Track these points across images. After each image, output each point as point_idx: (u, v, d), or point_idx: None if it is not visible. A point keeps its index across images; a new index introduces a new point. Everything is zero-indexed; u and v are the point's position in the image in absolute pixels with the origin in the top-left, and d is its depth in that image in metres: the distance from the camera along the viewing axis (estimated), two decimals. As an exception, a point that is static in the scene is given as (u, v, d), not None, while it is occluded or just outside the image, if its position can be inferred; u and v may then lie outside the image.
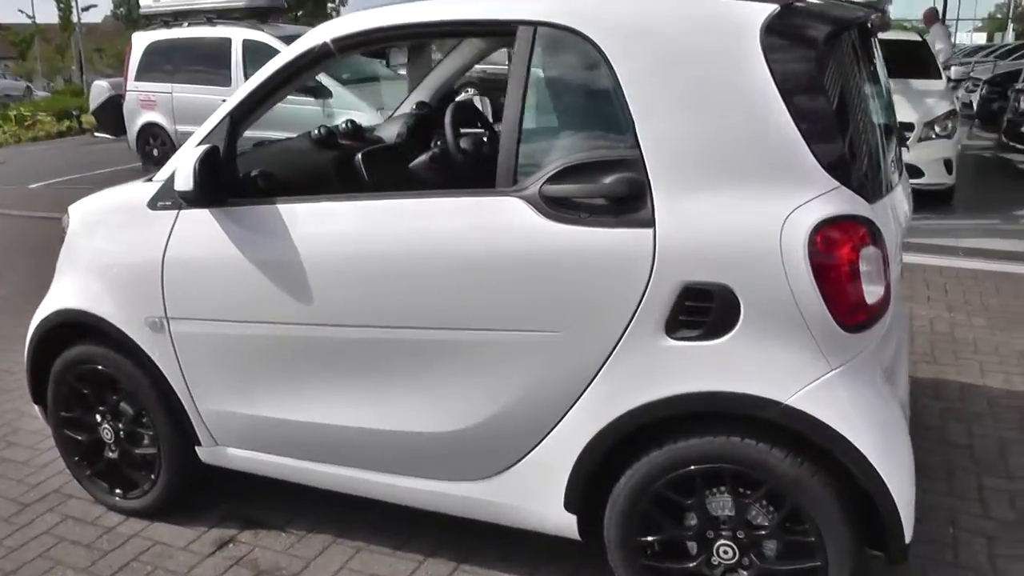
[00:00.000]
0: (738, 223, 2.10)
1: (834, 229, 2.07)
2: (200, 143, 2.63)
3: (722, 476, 2.21)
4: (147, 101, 10.26)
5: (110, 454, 3.06)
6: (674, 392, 2.17)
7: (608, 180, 2.19)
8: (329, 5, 32.25)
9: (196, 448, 2.89)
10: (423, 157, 3.38)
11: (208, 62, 9.84)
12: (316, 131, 3.36)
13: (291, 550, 2.85)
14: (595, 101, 2.32)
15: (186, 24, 10.18)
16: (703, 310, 2.13)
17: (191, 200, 2.55)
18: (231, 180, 2.61)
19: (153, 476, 2.99)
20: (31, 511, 3.15)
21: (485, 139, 3.57)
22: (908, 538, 2.12)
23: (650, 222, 2.14)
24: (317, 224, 2.52)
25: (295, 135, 3.62)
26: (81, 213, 3.00)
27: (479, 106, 3.94)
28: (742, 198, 2.11)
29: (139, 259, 2.76)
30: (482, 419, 2.40)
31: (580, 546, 2.46)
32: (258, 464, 2.82)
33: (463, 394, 2.40)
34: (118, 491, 3.08)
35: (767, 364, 2.11)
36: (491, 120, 3.80)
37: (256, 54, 9.71)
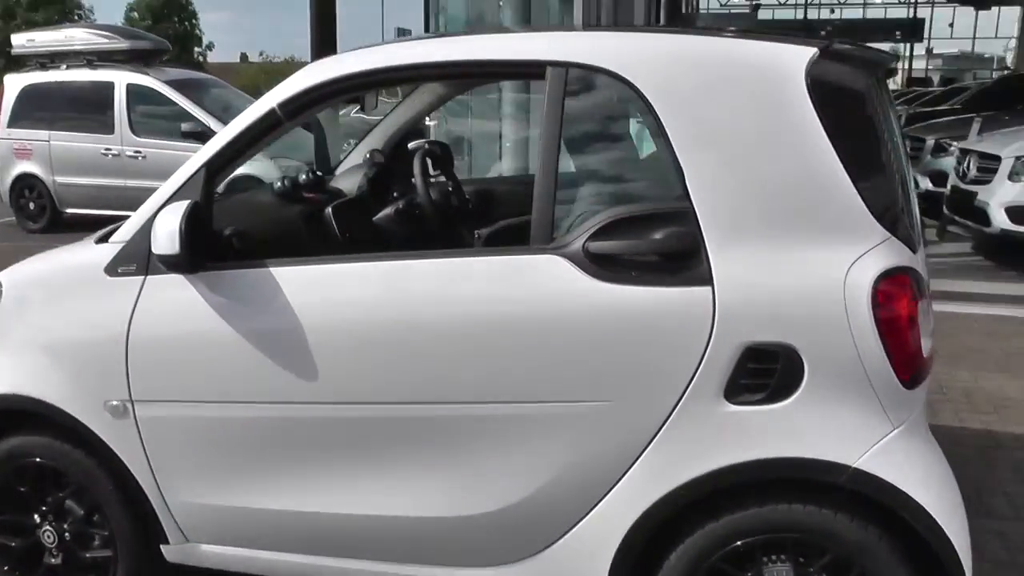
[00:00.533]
0: (800, 278, 2.00)
1: (893, 282, 2.00)
2: (170, 198, 2.32)
3: (782, 545, 2.07)
4: (22, 150, 9.48)
5: (51, 560, 2.61)
6: (736, 461, 2.02)
7: (659, 235, 2.04)
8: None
9: (161, 547, 2.50)
10: (388, 210, 3.15)
11: (89, 107, 9.22)
12: (279, 183, 3.06)
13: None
14: (639, 151, 2.18)
15: (64, 67, 9.47)
16: (766, 372, 2.00)
17: (175, 265, 2.21)
18: (210, 241, 2.30)
19: (106, 581, 2.57)
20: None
21: (451, 189, 3.39)
22: None
23: (708, 279, 2.00)
24: (318, 290, 2.24)
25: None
26: (16, 282, 2.58)
27: (435, 155, 3.74)
28: (800, 250, 2.01)
29: (97, 335, 2.39)
30: (519, 499, 2.17)
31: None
32: (240, 561, 2.47)
33: (497, 473, 2.17)
34: (61, 603, 2.64)
35: (833, 426, 2.00)
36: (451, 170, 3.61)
37: (141, 99, 9.16)
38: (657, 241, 2.04)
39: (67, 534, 2.57)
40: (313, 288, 2.23)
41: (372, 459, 2.25)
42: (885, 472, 1.98)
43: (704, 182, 2.03)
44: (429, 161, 3.32)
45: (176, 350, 2.32)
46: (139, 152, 9.00)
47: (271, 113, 2.32)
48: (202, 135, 8.95)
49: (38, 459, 2.53)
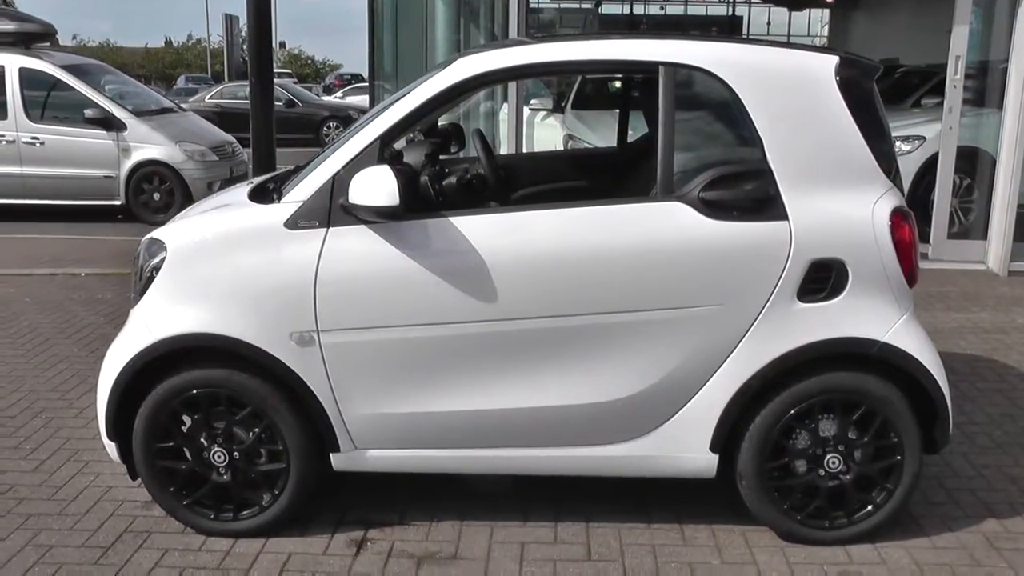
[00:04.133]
0: (843, 214, 2.82)
1: (899, 215, 2.86)
2: (348, 163, 2.78)
3: (831, 405, 2.88)
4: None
5: (219, 478, 2.99)
6: (806, 341, 2.81)
7: (749, 186, 2.80)
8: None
9: (331, 456, 2.95)
10: (451, 179, 3.67)
11: (-22, 92, 8.73)
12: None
13: (431, 537, 3.03)
14: (729, 126, 2.91)
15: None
16: (824, 279, 2.81)
17: (391, 215, 2.68)
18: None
19: (276, 491, 2.98)
20: (117, 553, 2.96)
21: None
22: (951, 428, 2.94)
23: (785, 216, 2.78)
24: (490, 234, 2.79)
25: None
26: (181, 242, 2.93)
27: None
28: (840, 195, 2.83)
29: (284, 279, 2.81)
30: (649, 385, 2.85)
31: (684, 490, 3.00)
32: (402, 461, 2.97)
33: (635, 365, 2.83)
34: (225, 515, 3.01)
35: (867, 314, 2.83)
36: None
37: (36, 83, 8.84)
38: (748, 190, 2.80)
39: (237, 454, 2.96)
40: (486, 231, 2.79)
41: (530, 362, 2.84)
42: (901, 343, 2.85)
43: (776, 149, 2.81)
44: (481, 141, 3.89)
45: (362, 286, 2.79)
46: (37, 139, 8.69)
47: (435, 99, 2.84)
48: (106, 121, 8.81)
49: (215, 389, 2.90)
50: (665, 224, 2.79)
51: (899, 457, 2.92)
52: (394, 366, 2.85)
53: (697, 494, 3.22)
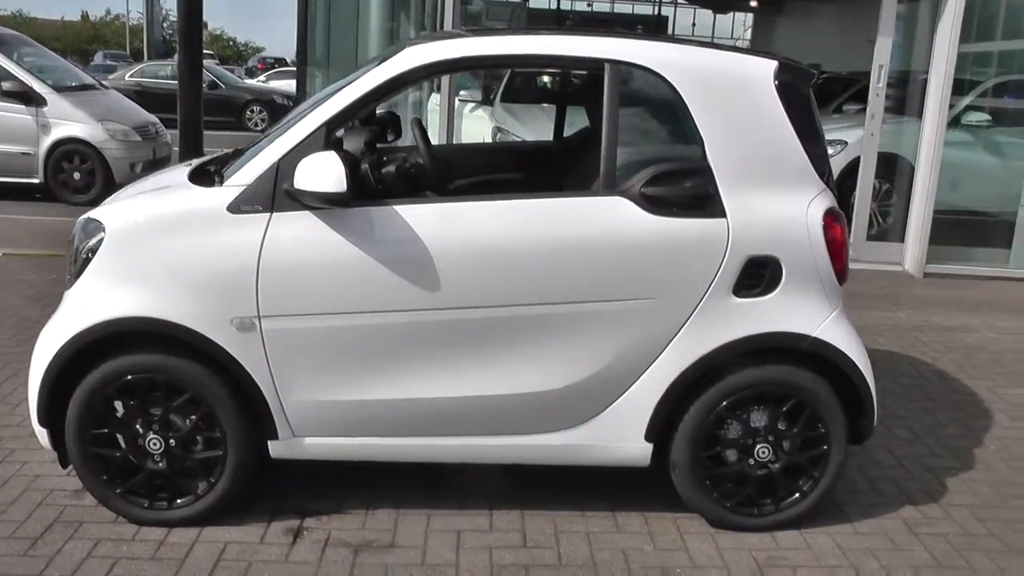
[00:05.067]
0: (779, 213, 2.93)
1: (831, 216, 2.99)
2: (292, 150, 2.77)
3: (763, 397, 3.00)
4: None
5: (154, 465, 2.93)
6: (741, 335, 2.92)
7: (689, 184, 2.88)
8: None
9: (269, 443, 2.93)
10: (390, 167, 3.67)
11: None
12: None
13: (368, 525, 3.04)
14: (671, 125, 2.99)
15: None
16: (759, 275, 2.92)
17: (337, 202, 2.66)
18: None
19: (212, 480, 2.94)
20: (47, 544, 2.88)
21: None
22: (875, 420, 3.10)
23: (723, 214, 2.88)
24: (436, 221, 2.81)
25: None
26: (121, 223, 2.85)
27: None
28: (776, 195, 2.94)
29: (225, 263, 2.77)
30: (586, 375, 2.91)
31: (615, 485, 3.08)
32: (339, 449, 2.97)
33: (572, 356, 2.89)
34: (160, 503, 2.96)
35: (800, 310, 2.96)
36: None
37: None
38: (688, 188, 2.88)
39: (173, 441, 2.91)
40: (431, 220, 2.80)
41: (472, 350, 2.87)
42: (831, 338, 2.98)
43: (716, 149, 2.90)
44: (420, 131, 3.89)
45: (305, 272, 2.78)
46: (-51, 112, 8.28)
47: (381, 87, 2.84)
48: (24, 96, 8.46)
49: (149, 374, 2.85)
50: (606, 218, 2.85)
51: (825, 447, 3.06)
52: (335, 353, 2.85)
53: (632, 483, 3.31)
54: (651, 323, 2.90)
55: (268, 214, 2.78)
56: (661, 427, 2.99)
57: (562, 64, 3.07)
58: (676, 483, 3.07)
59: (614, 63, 2.90)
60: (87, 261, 2.88)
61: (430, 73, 2.90)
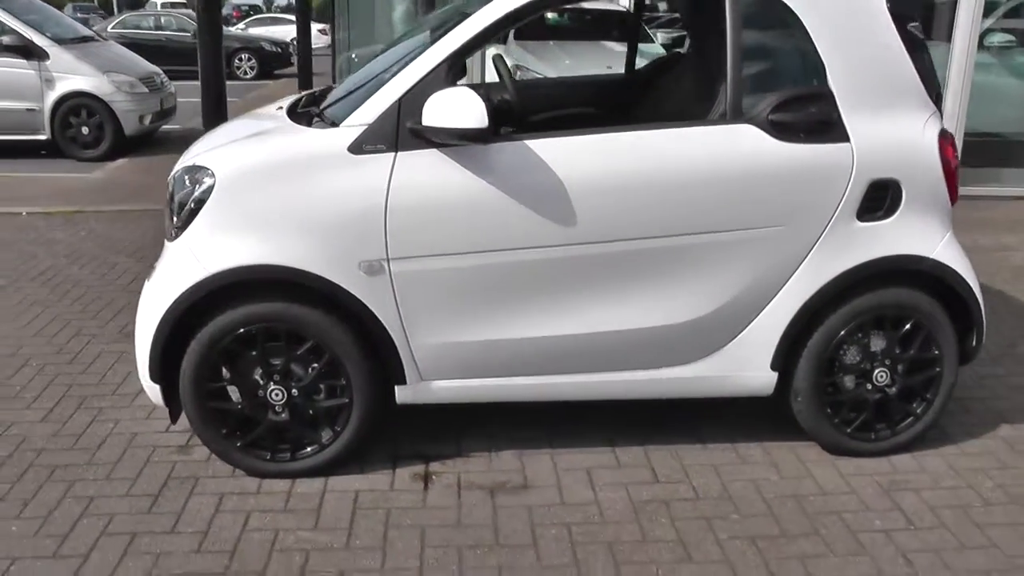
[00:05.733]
0: (898, 135, 2.85)
1: (945, 137, 2.92)
2: (414, 86, 2.62)
3: (881, 321, 2.95)
4: None
5: (275, 417, 2.82)
6: (864, 259, 2.86)
7: (814, 109, 2.78)
8: None
9: (396, 388, 2.83)
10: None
11: None
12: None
13: (495, 467, 2.98)
14: (791, 49, 2.86)
15: None
16: (881, 198, 2.85)
17: (476, 138, 2.53)
18: None
19: (338, 428, 2.85)
20: (168, 500, 2.78)
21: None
22: (984, 341, 3.08)
23: (847, 138, 2.78)
24: (570, 154, 2.69)
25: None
26: (232, 170, 2.68)
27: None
28: (894, 117, 2.85)
29: (352, 205, 2.64)
30: (716, 306, 2.84)
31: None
32: (469, 391, 2.88)
33: (702, 288, 2.82)
34: (282, 455, 2.87)
35: (918, 232, 2.90)
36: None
37: None
38: (813, 112, 2.78)
39: (295, 391, 2.80)
40: (562, 153, 2.68)
41: (602, 286, 2.78)
42: (947, 259, 2.94)
43: (837, 72, 2.80)
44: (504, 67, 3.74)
45: (434, 211, 2.65)
46: (-57, 66, 7.85)
47: (500, 21, 2.68)
48: (25, 50, 8.06)
49: (270, 324, 2.72)
50: (736, 146, 2.75)
51: (938, 369, 3.03)
52: (465, 293, 2.74)
53: (745, 413, 3.28)
54: (779, 251, 2.82)
55: (392, 153, 2.64)
56: (786, 355, 2.93)
57: None
58: (796, 411, 3.03)
59: None
60: (195, 210, 2.73)
61: (546, 6, 2.74)
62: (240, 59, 16.99)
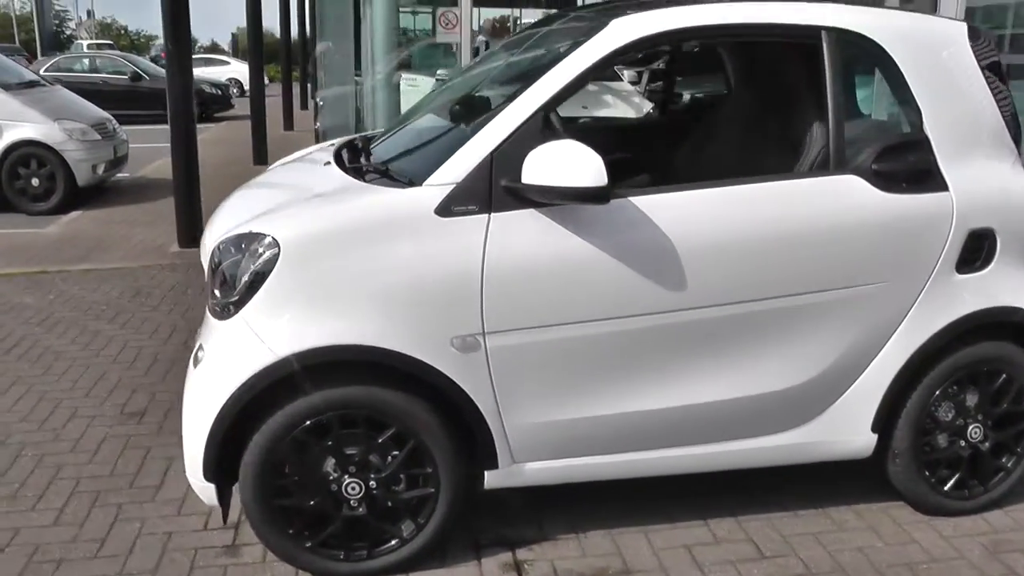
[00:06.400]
0: (989, 182, 2.73)
1: None
2: (507, 139, 2.35)
3: (976, 377, 2.80)
4: None
5: (351, 512, 2.47)
6: (964, 313, 2.70)
7: (913, 157, 2.64)
8: None
9: (486, 474, 2.52)
10: None
11: None
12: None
13: (588, 551, 2.68)
14: (888, 95, 2.70)
15: None
16: (978, 248, 2.71)
17: (595, 197, 2.26)
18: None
19: (421, 520, 2.51)
20: (235, 616, 2.38)
21: None
22: None
23: (945, 187, 2.64)
24: (676, 213, 2.46)
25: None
26: (299, 237, 2.34)
27: None
28: (985, 163, 2.73)
29: (443, 275, 2.33)
30: (822, 368, 2.63)
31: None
32: (563, 472, 2.59)
33: (809, 350, 2.61)
34: (358, 553, 2.51)
35: (1012, 282, 2.77)
36: None
37: None
38: (913, 161, 2.63)
39: (374, 482, 2.45)
40: (667, 210, 2.44)
41: (707, 353, 2.55)
42: None
43: (932, 117, 2.66)
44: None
45: (534, 279, 2.37)
46: None
47: (595, 65, 2.44)
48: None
49: (348, 411, 2.38)
50: (843, 198, 2.57)
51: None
52: (566, 367, 2.46)
53: (817, 476, 3.07)
54: (882, 308, 2.65)
55: (486, 215, 2.36)
56: (887, 416, 2.75)
57: (775, 33, 2.73)
58: (893, 472, 2.84)
59: (832, 31, 2.61)
60: (255, 284, 2.37)
61: (641, 48, 2.51)
62: None
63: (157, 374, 4.08)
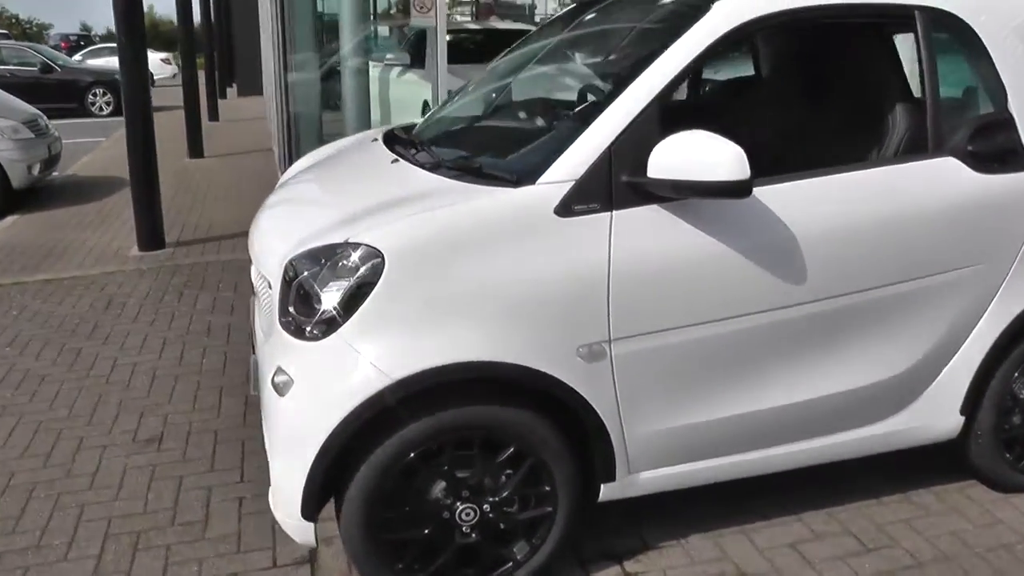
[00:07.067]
0: None
1: None
2: (625, 131, 2.15)
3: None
4: None
5: (463, 539, 2.23)
6: None
7: (1002, 136, 2.57)
8: None
9: (603, 487, 2.33)
10: None
11: None
12: None
13: (695, 557, 2.54)
14: (974, 74, 2.63)
15: None
16: (1058, 225, 2.68)
17: (735, 191, 2.07)
18: None
19: (535, 541, 2.31)
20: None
21: None
22: None
23: None
24: (796, 203, 2.32)
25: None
26: (403, 247, 2.08)
27: None
28: None
29: (567, 280, 2.12)
30: (922, 354, 2.56)
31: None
32: (676, 478, 2.43)
33: (915, 335, 2.53)
34: (487, 583, 2.29)
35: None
36: None
37: None
38: (1002, 140, 2.57)
39: (487, 505, 2.23)
40: (790, 202, 2.30)
41: (822, 346, 2.43)
42: None
43: (1017, 96, 2.60)
44: None
45: (661, 279, 2.19)
46: None
47: (706, 52, 2.25)
48: None
49: (462, 432, 2.15)
50: (945, 182, 2.50)
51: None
52: (689, 370, 2.30)
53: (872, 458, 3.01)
54: (976, 290, 2.59)
55: (608, 213, 2.15)
56: (974, 397, 2.71)
57: (868, 14, 2.61)
58: (974, 451, 2.80)
59: (924, 10, 2.51)
60: (353, 300, 2.10)
61: (751, 32, 2.35)
62: (95, 94, 15.04)
63: (162, 393, 3.69)
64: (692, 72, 2.28)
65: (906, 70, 2.73)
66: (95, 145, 11.61)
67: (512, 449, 2.20)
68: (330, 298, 2.13)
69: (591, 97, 2.57)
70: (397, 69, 8.76)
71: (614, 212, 2.16)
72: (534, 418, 2.20)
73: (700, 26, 2.29)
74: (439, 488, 2.20)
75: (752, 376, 2.38)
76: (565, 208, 2.13)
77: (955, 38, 2.61)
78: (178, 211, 7.12)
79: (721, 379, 2.35)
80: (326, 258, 2.17)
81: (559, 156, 2.18)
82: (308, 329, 2.17)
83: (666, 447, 2.37)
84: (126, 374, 3.88)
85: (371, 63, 7.90)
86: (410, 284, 2.08)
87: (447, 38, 5.77)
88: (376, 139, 3.02)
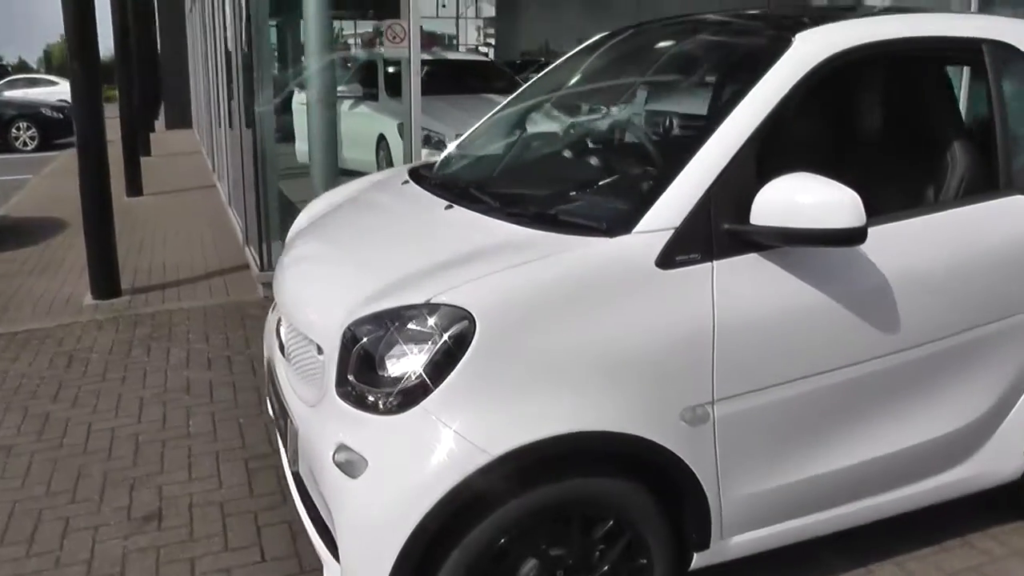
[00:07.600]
0: None
1: None
2: (722, 174, 1.99)
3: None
4: None
5: (553, 623, 1.99)
6: None
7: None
8: None
9: (695, 555, 2.13)
10: None
11: None
12: None
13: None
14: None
15: None
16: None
17: (849, 239, 1.92)
18: None
19: (630, 618, 2.08)
20: None
21: None
22: None
23: None
24: (896, 245, 2.21)
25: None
26: (493, 307, 1.85)
27: None
28: None
29: (672, 337, 1.93)
30: (994, 400, 2.47)
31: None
32: (765, 541, 2.25)
33: (988, 380, 2.44)
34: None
35: None
36: None
37: None
38: None
39: (582, 585, 2.00)
40: (884, 247, 2.17)
41: (908, 396, 2.30)
42: None
43: None
44: None
45: (765, 334, 2.02)
46: None
47: (797, 88, 2.12)
48: None
49: (561, 509, 1.92)
50: (1014, 220, 2.43)
51: None
52: (788, 428, 2.13)
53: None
54: (1040, 334, 2.53)
55: (709, 263, 1.98)
56: (1036, 436, 2.64)
57: (939, 47, 2.54)
58: (1036, 496, 2.74)
59: (993, 44, 2.47)
60: (438, 367, 1.85)
61: (837, 66, 2.22)
62: (18, 128, 14.05)
63: (150, 462, 3.29)
64: (781, 115, 2.13)
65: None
66: (24, 183, 10.90)
67: (611, 523, 1.99)
68: (408, 366, 1.88)
69: (672, 136, 2.42)
70: (348, 102, 8.47)
71: (715, 262, 1.99)
72: (636, 489, 1.98)
73: (783, 65, 2.15)
74: (531, 566, 1.95)
75: (851, 429, 2.23)
76: (667, 259, 1.94)
77: (1017, 71, 2.56)
78: (127, 254, 6.61)
79: (821, 434, 2.19)
80: (400, 321, 1.91)
81: (653, 203, 1.99)
82: (381, 401, 1.90)
83: (761, 509, 2.19)
84: (105, 441, 3.47)
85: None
86: (504, 348, 1.85)
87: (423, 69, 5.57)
88: (407, 181, 2.78)
